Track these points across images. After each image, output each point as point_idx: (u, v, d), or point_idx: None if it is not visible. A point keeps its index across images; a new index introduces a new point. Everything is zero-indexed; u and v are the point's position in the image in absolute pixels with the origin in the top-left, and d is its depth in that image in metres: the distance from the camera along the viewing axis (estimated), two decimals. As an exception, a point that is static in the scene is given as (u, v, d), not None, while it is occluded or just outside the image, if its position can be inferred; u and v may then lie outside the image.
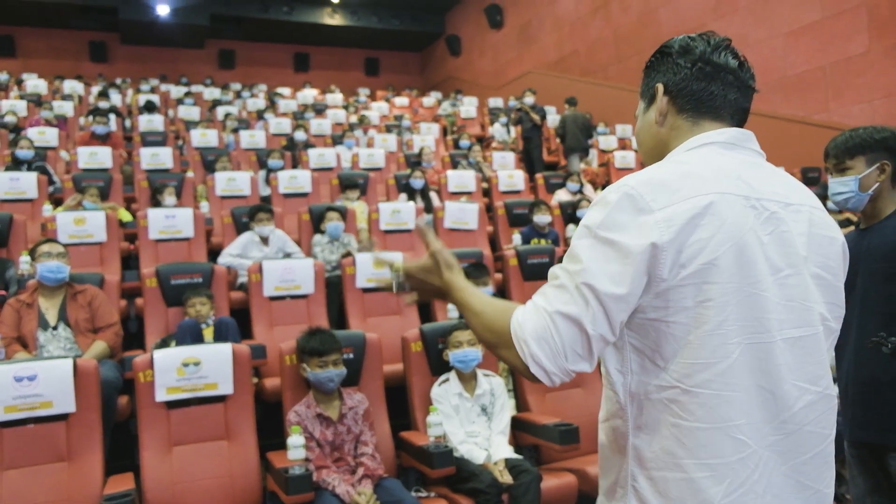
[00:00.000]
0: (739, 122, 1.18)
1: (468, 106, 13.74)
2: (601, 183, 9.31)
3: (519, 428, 3.52)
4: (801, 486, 1.06)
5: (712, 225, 1.00)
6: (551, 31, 14.15)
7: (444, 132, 12.16)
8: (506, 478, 3.02)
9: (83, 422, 2.93)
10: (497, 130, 11.61)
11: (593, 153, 10.24)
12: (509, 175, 7.82)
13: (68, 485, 2.86)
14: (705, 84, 1.15)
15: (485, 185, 7.97)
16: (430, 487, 3.21)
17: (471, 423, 3.37)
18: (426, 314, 4.75)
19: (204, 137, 8.69)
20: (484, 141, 12.15)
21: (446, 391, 3.40)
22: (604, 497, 1.13)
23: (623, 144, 10.73)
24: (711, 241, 1.00)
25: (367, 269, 4.64)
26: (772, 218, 1.06)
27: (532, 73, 14.65)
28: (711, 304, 1.00)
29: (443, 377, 3.46)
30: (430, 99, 15.72)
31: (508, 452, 3.26)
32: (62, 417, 2.91)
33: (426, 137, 10.21)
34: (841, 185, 2.19)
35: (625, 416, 1.08)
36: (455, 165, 8.74)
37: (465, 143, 9.72)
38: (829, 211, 2.26)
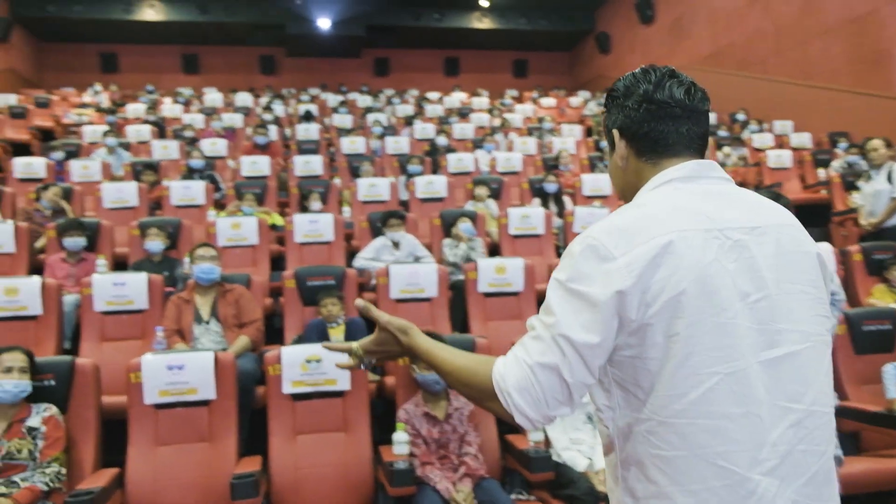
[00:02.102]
0: (699, 148, 1.21)
1: (615, 105, 13.45)
2: (753, 183, 8.82)
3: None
4: None
5: (672, 263, 1.05)
6: (705, 24, 13.54)
7: (589, 133, 12.04)
8: (604, 487, 3.05)
9: (222, 408, 3.33)
10: (642, 130, 11.30)
11: (745, 150, 9.68)
12: (647, 178, 7.63)
13: (209, 462, 3.26)
14: (655, 124, 1.19)
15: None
16: (532, 491, 3.30)
17: (575, 431, 3.42)
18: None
19: (353, 144, 9.25)
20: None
21: (552, 397, 3.46)
22: None
23: (780, 142, 10.06)
24: (672, 277, 1.04)
25: (489, 275, 4.79)
26: (735, 246, 1.09)
27: (684, 68, 14.06)
28: (678, 337, 1.04)
29: (550, 384, 3.52)
30: (577, 99, 15.60)
31: (611, 462, 3.27)
32: (205, 403, 3.32)
33: (566, 140, 10.19)
34: None
35: (615, 449, 1.14)
36: (593, 168, 8.67)
37: (604, 143, 9.56)
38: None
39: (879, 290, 4.91)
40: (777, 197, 2.61)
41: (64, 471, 2.99)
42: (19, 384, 2.98)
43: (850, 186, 7.30)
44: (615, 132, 1.24)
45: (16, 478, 2.87)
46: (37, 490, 2.84)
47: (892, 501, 3.66)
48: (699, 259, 1.06)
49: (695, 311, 1.04)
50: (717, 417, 1.04)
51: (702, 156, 1.21)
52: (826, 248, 5.03)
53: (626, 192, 1.27)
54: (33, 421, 3.00)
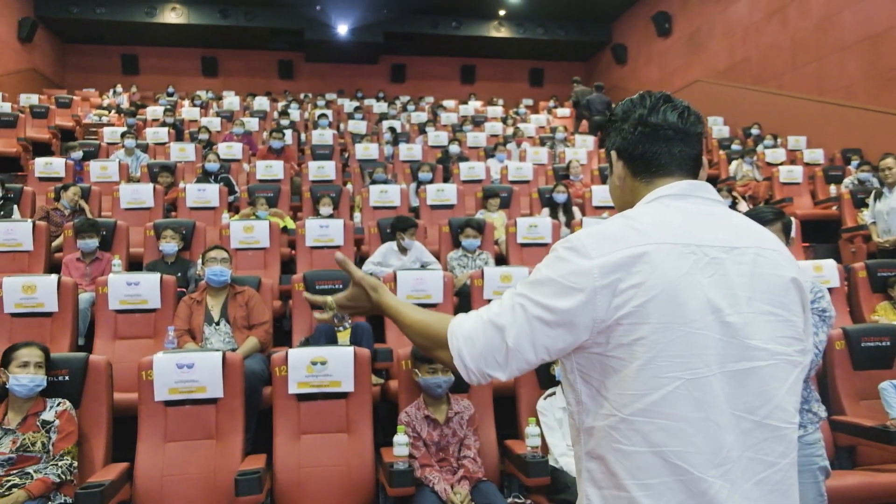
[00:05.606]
0: (691, 169, 1.28)
1: (629, 116, 13.48)
2: (763, 198, 8.83)
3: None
4: None
5: (644, 272, 1.12)
6: (722, 38, 13.55)
7: (602, 143, 12.08)
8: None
9: (229, 406, 3.42)
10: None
11: (754, 158, 9.59)
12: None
13: (216, 459, 3.35)
14: (649, 145, 1.27)
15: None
16: (529, 495, 3.37)
17: (573, 438, 3.47)
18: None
19: (366, 151, 9.36)
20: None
21: (551, 404, 3.53)
22: None
23: (792, 158, 10.03)
24: (643, 286, 1.12)
25: (495, 283, 4.86)
26: (712, 262, 1.16)
27: (700, 81, 14.11)
28: (643, 341, 1.12)
29: (549, 391, 3.60)
30: (591, 109, 15.60)
31: (607, 470, 3.32)
32: (213, 401, 3.41)
33: (579, 150, 10.24)
34: None
35: (580, 442, 1.23)
36: (604, 179, 8.71)
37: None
38: None
39: (883, 307, 4.94)
40: (780, 215, 2.66)
41: (76, 464, 3.09)
42: (35, 378, 3.09)
43: (861, 204, 7.31)
44: (613, 153, 1.33)
45: (30, 469, 2.98)
46: (49, 482, 2.94)
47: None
48: (673, 270, 1.13)
49: (662, 318, 1.11)
50: (675, 419, 1.12)
51: (694, 176, 1.29)
52: (830, 265, 5.07)
53: (623, 209, 1.33)
54: (47, 415, 3.11)
